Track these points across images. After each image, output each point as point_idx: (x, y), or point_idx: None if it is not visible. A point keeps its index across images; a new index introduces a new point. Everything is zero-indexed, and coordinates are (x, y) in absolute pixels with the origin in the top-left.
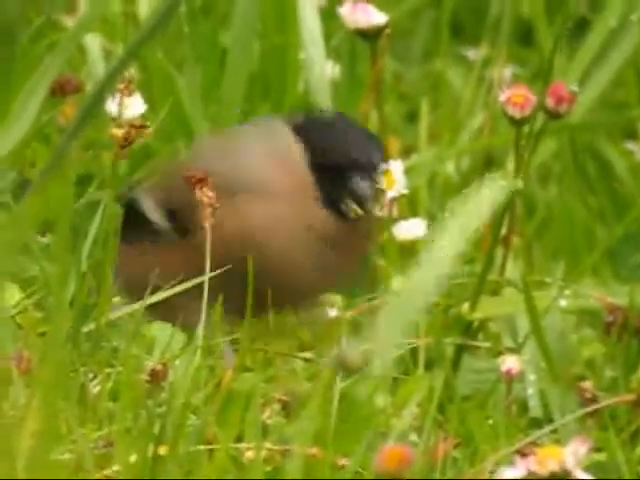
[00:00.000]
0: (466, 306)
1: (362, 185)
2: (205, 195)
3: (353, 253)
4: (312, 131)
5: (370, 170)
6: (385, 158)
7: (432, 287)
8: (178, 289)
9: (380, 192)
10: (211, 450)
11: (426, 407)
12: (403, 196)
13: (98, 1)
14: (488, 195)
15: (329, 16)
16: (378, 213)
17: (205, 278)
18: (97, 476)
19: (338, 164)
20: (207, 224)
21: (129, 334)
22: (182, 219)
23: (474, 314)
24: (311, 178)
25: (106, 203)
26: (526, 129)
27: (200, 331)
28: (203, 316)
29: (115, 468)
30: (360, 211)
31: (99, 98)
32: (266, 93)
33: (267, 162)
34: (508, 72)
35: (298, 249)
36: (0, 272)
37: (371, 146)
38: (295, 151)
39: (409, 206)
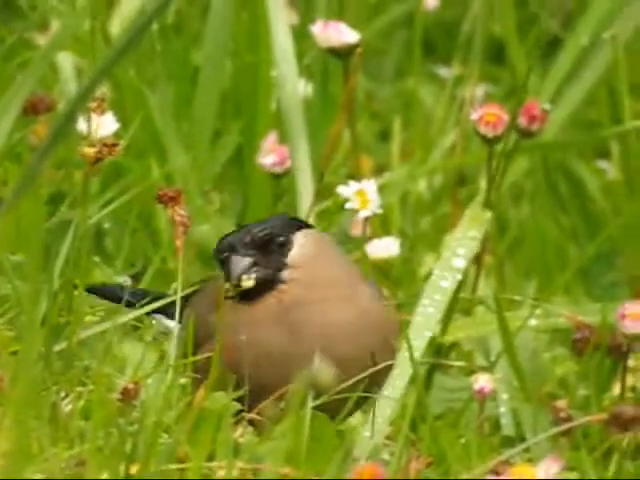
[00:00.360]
0: (438, 328)
1: (225, 266)
2: (177, 213)
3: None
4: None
5: (235, 246)
6: (279, 234)
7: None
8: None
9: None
10: (183, 469)
11: (398, 425)
12: (375, 215)
13: (70, 19)
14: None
15: (301, 34)
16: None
17: (177, 297)
18: None
19: (216, 256)
20: (178, 242)
21: (100, 353)
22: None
23: (446, 336)
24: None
25: (77, 222)
26: (498, 148)
27: (172, 350)
28: (174, 335)
29: None
30: (230, 286)
31: (71, 117)
32: (238, 111)
33: None
34: (480, 90)
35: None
36: None
37: (246, 231)
38: None
39: (381, 224)
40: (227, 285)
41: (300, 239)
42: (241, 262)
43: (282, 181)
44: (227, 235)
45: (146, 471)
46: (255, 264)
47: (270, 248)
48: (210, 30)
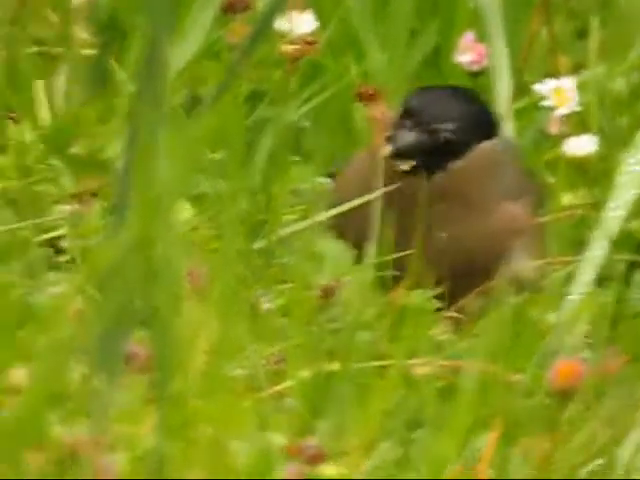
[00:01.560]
0: (637, 223)
1: (398, 132)
2: (377, 110)
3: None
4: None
5: (424, 125)
6: (457, 137)
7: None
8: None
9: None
10: (383, 366)
11: (598, 324)
12: (573, 113)
13: None
14: None
15: None
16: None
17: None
18: (269, 392)
19: (406, 110)
20: (378, 139)
21: (300, 250)
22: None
23: None
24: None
25: (276, 120)
26: None
27: (371, 247)
28: (374, 233)
29: (287, 384)
30: (400, 163)
31: (271, 15)
32: (435, 9)
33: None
34: None
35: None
36: (173, 189)
37: (449, 114)
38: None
39: (579, 122)
40: (387, 145)
41: (478, 150)
42: (408, 137)
43: (479, 79)
44: (423, 96)
45: (346, 368)
46: (419, 151)
47: (445, 151)
48: None
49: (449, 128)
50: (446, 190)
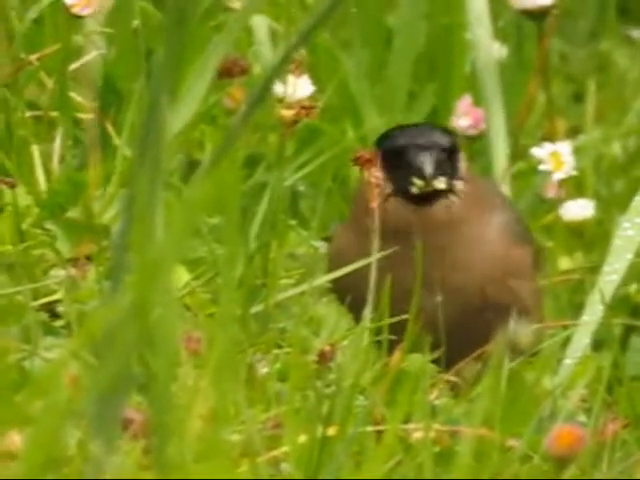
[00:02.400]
0: (634, 286)
1: (421, 159)
2: (372, 176)
3: (441, 245)
4: (386, 136)
5: (432, 148)
6: (451, 139)
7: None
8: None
9: (454, 174)
10: (379, 431)
11: (594, 388)
12: (570, 177)
13: None
14: None
15: None
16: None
17: (373, 259)
18: (265, 457)
19: (400, 147)
20: (374, 204)
21: (297, 315)
22: None
23: None
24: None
25: (273, 185)
26: None
27: (368, 312)
28: (371, 297)
29: (284, 449)
30: (421, 183)
31: (270, 81)
32: (433, 73)
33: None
34: None
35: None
36: (170, 253)
37: (435, 131)
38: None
39: (575, 187)
40: (415, 180)
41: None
42: (433, 162)
43: (476, 143)
44: (401, 130)
45: (343, 433)
46: (441, 169)
47: (448, 156)
48: None
49: (446, 140)
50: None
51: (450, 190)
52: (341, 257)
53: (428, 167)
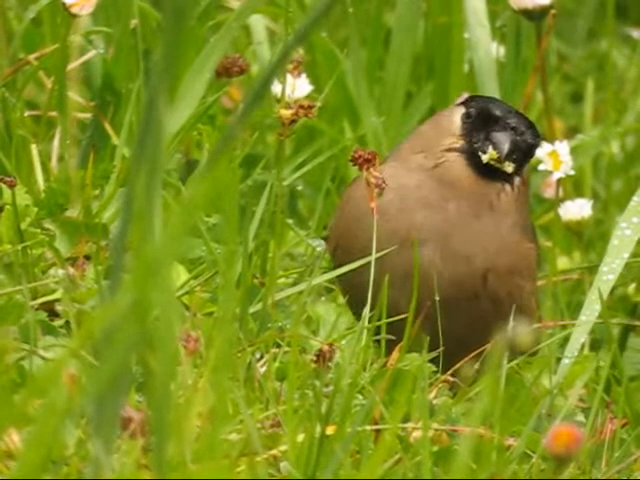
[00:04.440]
0: (633, 287)
1: (507, 137)
2: (372, 176)
3: (489, 216)
4: (477, 99)
5: (519, 134)
6: (538, 142)
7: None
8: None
9: (525, 162)
10: (378, 430)
11: (593, 388)
12: (568, 176)
13: None
14: None
15: None
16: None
17: (372, 258)
18: (264, 456)
19: (489, 115)
20: (373, 204)
21: (295, 314)
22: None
23: None
24: (458, 129)
25: (272, 184)
26: None
27: (366, 311)
28: (369, 296)
29: (282, 448)
30: (495, 156)
31: (268, 80)
32: (430, 73)
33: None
34: None
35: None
36: (168, 253)
37: (529, 125)
38: (453, 112)
39: (574, 186)
40: (491, 150)
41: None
42: (514, 145)
43: None
44: (501, 103)
45: (342, 432)
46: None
47: (525, 153)
48: None
49: (533, 134)
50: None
51: (510, 180)
52: (354, 204)
53: (508, 146)
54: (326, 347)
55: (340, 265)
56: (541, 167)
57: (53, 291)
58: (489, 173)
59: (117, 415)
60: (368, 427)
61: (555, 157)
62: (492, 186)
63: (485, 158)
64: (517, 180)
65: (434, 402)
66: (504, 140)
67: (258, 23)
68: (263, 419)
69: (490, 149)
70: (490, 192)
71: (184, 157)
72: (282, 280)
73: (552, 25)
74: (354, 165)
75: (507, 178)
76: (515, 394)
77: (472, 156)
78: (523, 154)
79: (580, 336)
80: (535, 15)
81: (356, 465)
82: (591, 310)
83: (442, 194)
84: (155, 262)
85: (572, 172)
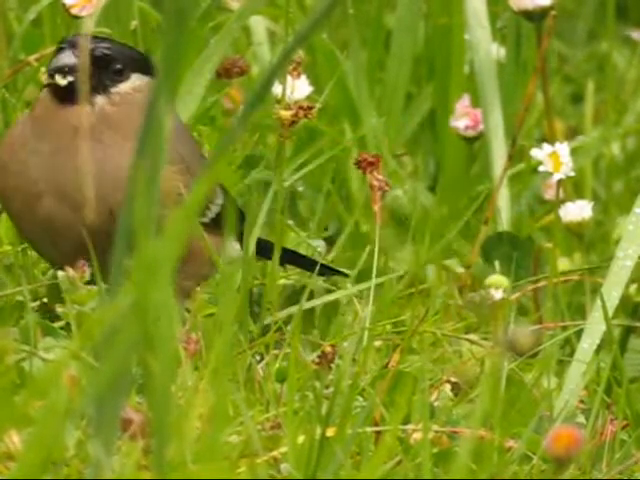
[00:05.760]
0: (634, 287)
1: (57, 55)
2: (375, 178)
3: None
4: None
5: (75, 44)
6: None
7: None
8: None
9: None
10: (378, 432)
11: (593, 389)
12: (569, 178)
13: None
14: None
15: None
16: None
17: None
18: (265, 457)
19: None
20: (376, 207)
21: (296, 315)
22: None
23: None
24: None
25: (272, 185)
26: None
27: (367, 313)
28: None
29: (283, 450)
30: (60, 77)
31: (269, 81)
32: (431, 74)
33: None
34: None
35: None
36: (169, 254)
37: (97, 39)
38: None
39: (574, 188)
40: (44, 72)
41: (136, 79)
42: (68, 58)
43: (475, 144)
44: (77, 35)
45: (342, 434)
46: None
47: (104, 67)
48: None
49: (105, 46)
50: (110, 116)
51: (92, 99)
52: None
53: (55, 61)
54: (328, 348)
55: None
56: (541, 168)
57: (52, 292)
58: (69, 98)
59: (117, 416)
60: (368, 429)
61: (555, 158)
62: (71, 110)
63: (44, 79)
64: (101, 98)
65: (434, 404)
66: (56, 58)
67: (258, 24)
68: (263, 421)
69: (51, 74)
70: (70, 117)
71: None
72: (282, 281)
73: (552, 26)
74: (358, 168)
75: (90, 98)
76: (516, 396)
77: (53, 87)
78: (96, 66)
79: (587, 341)
80: (535, 16)
81: (356, 466)
82: (597, 317)
83: (39, 136)
84: (155, 263)
85: (572, 173)
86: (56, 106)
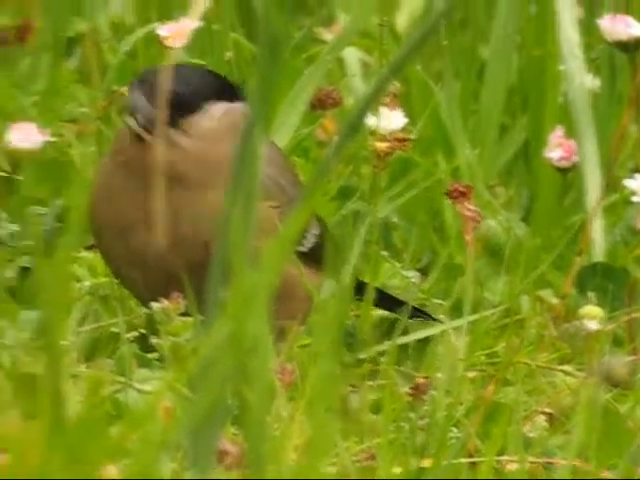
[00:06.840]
0: None
1: (132, 96)
2: (467, 209)
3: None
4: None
5: (146, 85)
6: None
7: None
8: None
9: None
10: (474, 463)
11: None
12: None
13: (358, 14)
14: None
15: (588, 28)
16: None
17: (468, 291)
18: None
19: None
20: (468, 237)
21: (390, 347)
22: None
23: None
24: None
25: (367, 216)
26: None
27: (461, 344)
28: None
29: None
30: (133, 121)
31: (363, 113)
32: (525, 105)
33: None
34: None
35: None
36: (264, 285)
37: (158, 71)
38: None
39: None
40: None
41: (211, 109)
42: (139, 101)
43: (569, 175)
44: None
45: (437, 465)
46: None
47: (174, 104)
48: (497, 24)
49: (175, 80)
50: (190, 150)
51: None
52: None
53: (138, 104)
54: (422, 380)
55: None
56: (635, 199)
57: (148, 324)
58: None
59: (213, 448)
60: (463, 460)
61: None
62: (147, 147)
63: (128, 125)
64: (176, 132)
65: (529, 434)
66: (132, 103)
67: (352, 55)
68: (358, 452)
69: (127, 117)
70: (146, 155)
71: None
72: (376, 312)
73: None
74: (449, 198)
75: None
76: (611, 426)
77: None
78: (172, 106)
79: None
80: (629, 47)
81: None
82: None
83: (122, 172)
84: (251, 294)
85: None
86: (134, 144)
